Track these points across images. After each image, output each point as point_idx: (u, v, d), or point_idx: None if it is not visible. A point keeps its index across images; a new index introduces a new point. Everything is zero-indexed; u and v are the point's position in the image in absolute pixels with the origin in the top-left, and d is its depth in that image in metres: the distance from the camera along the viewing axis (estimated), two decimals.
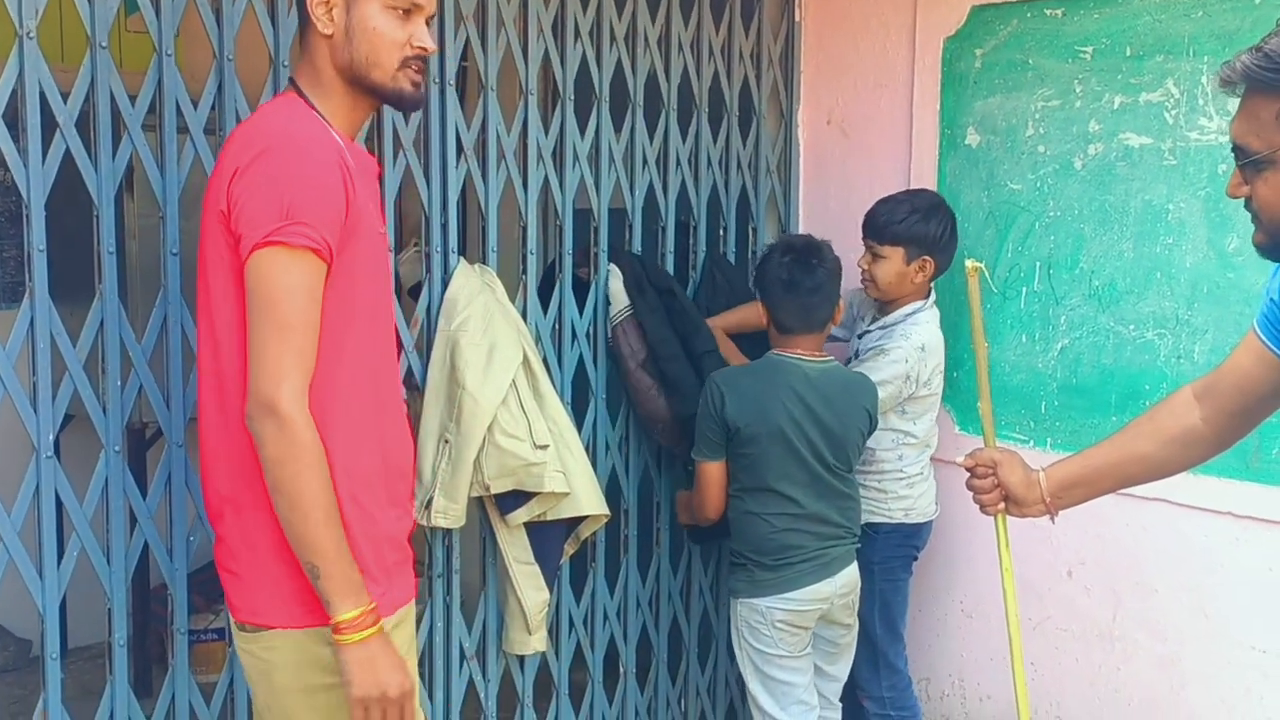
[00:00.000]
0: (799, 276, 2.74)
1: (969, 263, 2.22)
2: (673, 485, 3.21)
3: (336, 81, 1.88)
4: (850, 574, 2.81)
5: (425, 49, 1.90)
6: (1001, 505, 2.16)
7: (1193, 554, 2.80)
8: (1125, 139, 2.85)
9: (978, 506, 2.20)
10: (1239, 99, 1.62)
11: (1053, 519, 2.14)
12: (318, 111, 1.86)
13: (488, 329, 2.61)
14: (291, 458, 1.70)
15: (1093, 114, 2.89)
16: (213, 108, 2.29)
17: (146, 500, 2.23)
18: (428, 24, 1.91)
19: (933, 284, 3.01)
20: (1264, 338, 1.86)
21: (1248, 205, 1.66)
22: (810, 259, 2.76)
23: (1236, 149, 1.62)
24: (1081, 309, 2.95)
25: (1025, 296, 3.06)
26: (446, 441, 2.58)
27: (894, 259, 2.92)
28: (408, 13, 1.88)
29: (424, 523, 2.60)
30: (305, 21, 1.88)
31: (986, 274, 2.62)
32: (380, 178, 2.05)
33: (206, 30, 2.27)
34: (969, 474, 2.19)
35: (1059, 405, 3.01)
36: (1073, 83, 2.92)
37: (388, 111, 2.52)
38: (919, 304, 2.96)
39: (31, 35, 2.02)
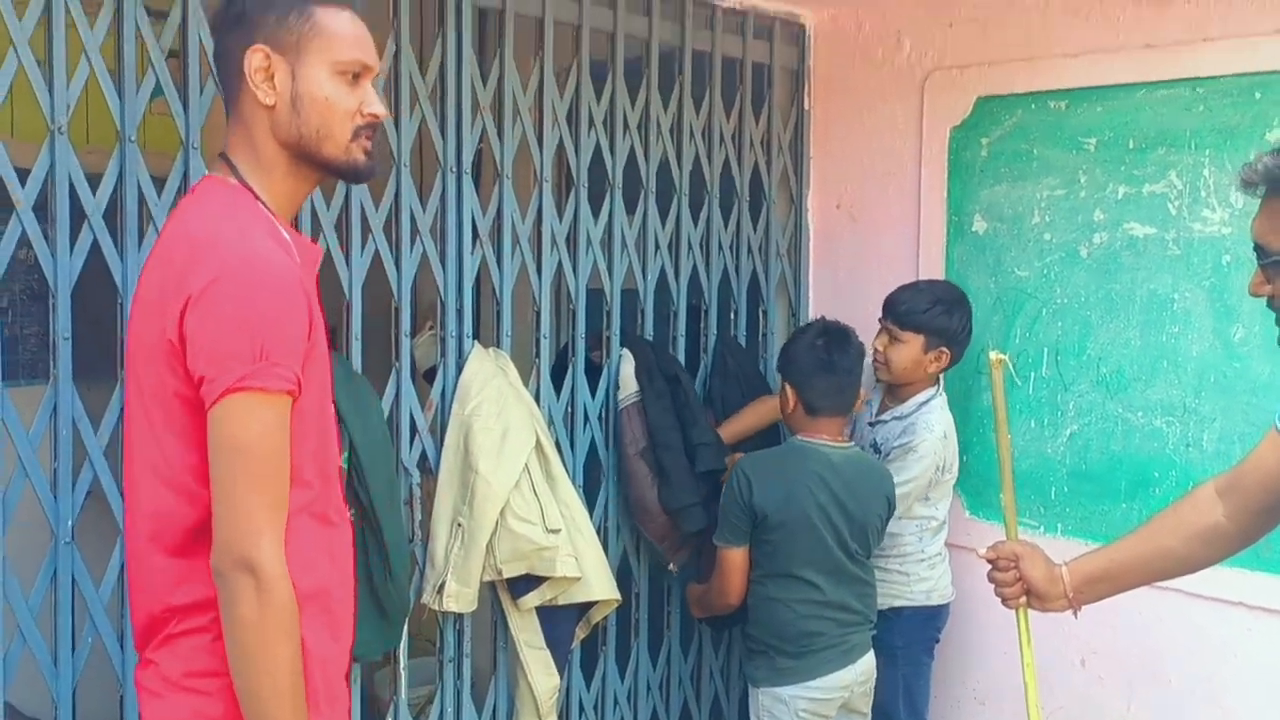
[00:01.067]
0: (835, 357, 2.78)
1: (993, 354, 2.21)
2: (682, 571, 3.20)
3: (280, 157, 1.71)
4: (868, 661, 2.81)
5: (377, 116, 1.74)
6: (1023, 599, 2.14)
7: (1206, 644, 2.79)
8: (1130, 229, 2.89)
9: (999, 600, 2.18)
10: (1259, 199, 1.65)
11: (1075, 614, 2.13)
12: (259, 198, 1.70)
13: (501, 413, 2.64)
14: (268, 620, 1.57)
15: (1097, 204, 2.94)
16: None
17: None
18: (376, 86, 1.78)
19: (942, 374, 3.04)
20: None
21: (1270, 304, 1.68)
22: (844, 341, 2.81)
23: (1258, 248, 1.65)
24: (1090, 395, 2.97)
25: (1034, 382, 3.08)
26: (459, 525, 2.59)
27: (912, 346, 2.94)
28: (357, 76, 1.72)
29: (435, 607, 2.60)
30: (237, 90, 1.70)
31: (1011, 366, 2.65)
32: (318, 260, 1.89)
33: None
34: (991, 566, 2.17)
35: (1069, 491, 3.02)
36: (1077, 173, 2.97)
37: (405, 198, 2.58)
38: (931, 391, 2.99)
39: (63, 130, 2.07)
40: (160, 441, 1.65)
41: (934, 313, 2.94)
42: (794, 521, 2.70)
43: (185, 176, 2.24)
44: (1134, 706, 2.92)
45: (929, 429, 2.92)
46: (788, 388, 2.82)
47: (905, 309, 2.95)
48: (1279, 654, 2.69)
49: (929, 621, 3.01)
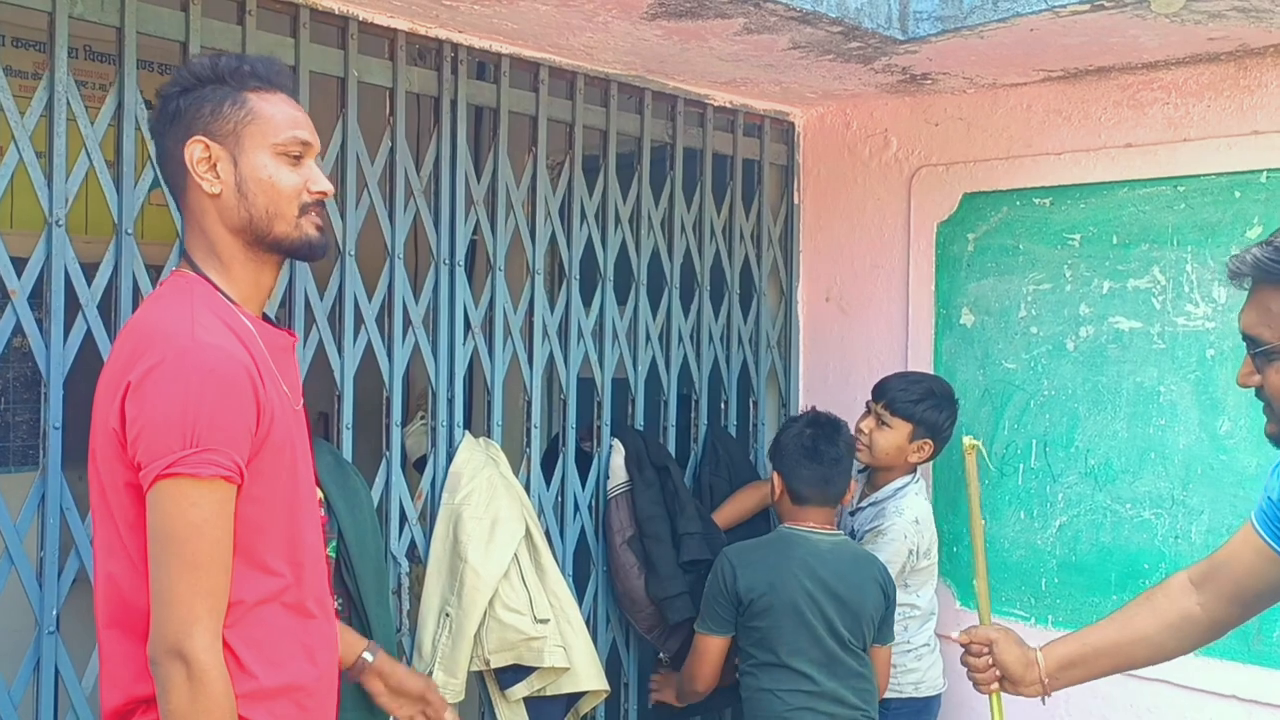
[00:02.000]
0: (823, 446, 2.80)
1: (966, 440, 2.26)
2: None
3: (234, 245, 1.72)
4: None
5: (324, 192, 1.76)
6: (995, 685, 2.15)
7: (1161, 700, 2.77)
8: (1115, 322, 2.93)
9: (971, 684, 2.19)
10: (1246, 291, 1.68)
11: (1043, 700, 2.13)
12: (220, 290, 1.71)
13: (490, 503, 2.64)
14: (202, 713, 1.55)
15: (1083, 298, 2.98)
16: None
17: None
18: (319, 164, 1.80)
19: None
20: (1263, 534, 1.88)
21: (1259, 394, 1.69)
22: (833, 432, 2.84)
23: (1247, 339, 1.67)
24: (1078, 487, 2.98)
25: (1023, 473, 3.09)
26: (447, 615, 2.58)
27: (899, 433, 2.97)
28: (298, 157, 1.74)
29: None
30: (183, 186, 1.72)
31: (984, 452, 2.66)
32: (294, 348, 1.87)
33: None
34: (964, 650, 2.18)
35: (1059, 582, 3.01)
36: (1062, 268, 3.01)
37: (398, 289, 2.61)
38: (907, 479, 3.01)
39: (60, 223, 2.11)
40: (117, 529, 1.65)
41: (926, 404, 2.98)
42: (780, 609, 2.68)
43: None
44: None
45: (899, 513, 2.93)
46: (775, 476, 2.84)
47: (900, 396, 2.98)
48: None
49: (918, 714, 2.98)
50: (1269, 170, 2.68)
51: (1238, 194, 2.73)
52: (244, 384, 1.62)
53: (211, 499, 1.58)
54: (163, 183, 1.79)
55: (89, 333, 2.14)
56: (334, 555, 2.40)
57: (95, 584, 1.74)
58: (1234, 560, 1.95)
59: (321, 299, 2.49)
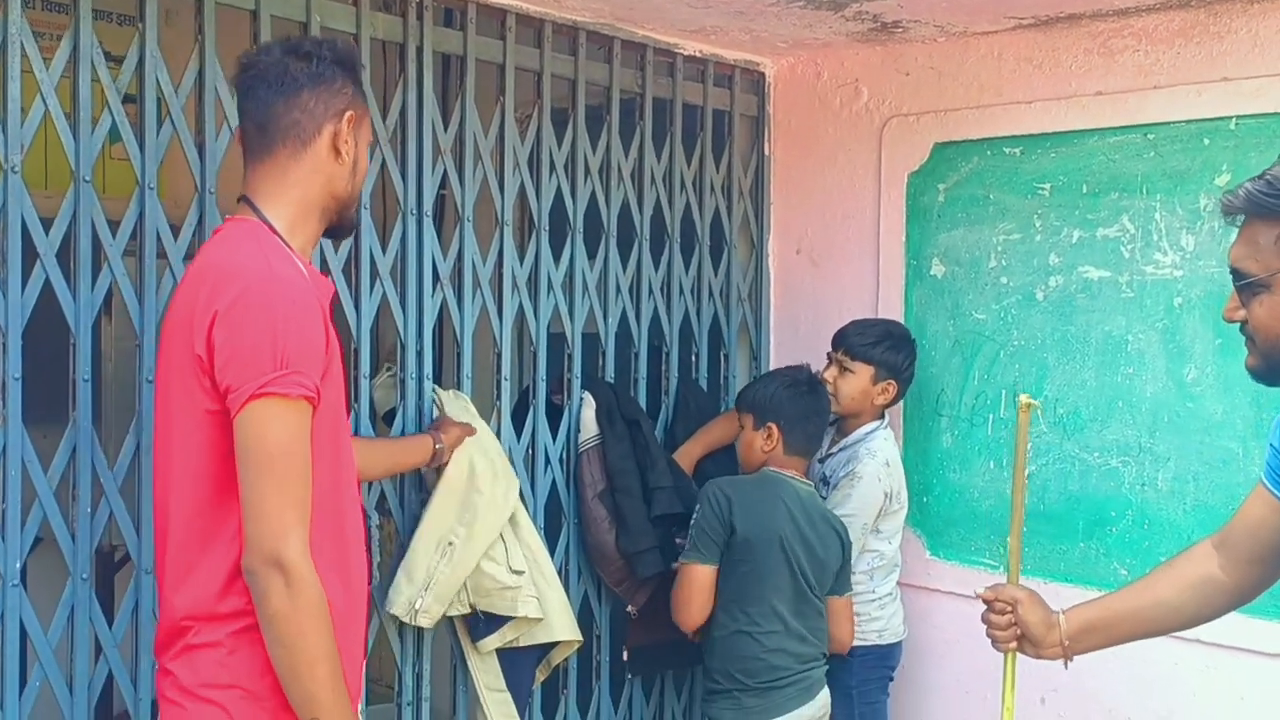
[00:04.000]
0: (817, 405, 2.89)
1: (1023, 398, 2.20)
2: None
3: (315, 207, 1.86)
4: (825, 697, 2.82)
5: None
6: (1014, 645, 2.11)
7: (1164, 682, 2.80)
8: (1084, 272, 2.93)
9: (990, 641, 2.14)
10: (1237, 228, 1.68)
11: (1066, 664, 2.10)
12: (281, 237, 1.82)
13: (495, 448, 2.68)
14: (301, 613, 1.68)
15: (1052, 247, 2.98)
16: (193, 237, 2.33)
17: (113, 629, 2.21)
18: None
19: (886, 408, 3.08)
20: (1271, 489, 1.87)
21: (1243, 329, 1.69)
22: (821, 388, 2.92)
23: (1234, 273, 1.67)
24: (1047, 436, 2.99)
25: (992, 424, 3.11)
26: (451, 544, 2.57)
27: (862, 377, 2.99)
28: None
29: (408, 621, 2.57)
30: (306, 140, 1.83)
31: (1040, 411, 2.65)
32: (334, 298, 2.05)
33: (189, 164, 2.33)
34: (986, 607, 2.14)
35: (1027, 531, 3.00)
36: (1032, 217, 3.01)
37: (365, 240, 2.58)
38: (875, 424, 3.03)
39: (15, 170, 2.07)
40: (185, 456, 1.76)
41: (883, 346, 3.01)
42: (766, 548, 2.72)
43: (141, 217, 2.25)
44: None
45: (871, 455, 2.96)
46: (773, 428, 2.83)
47: (857, 340, 3.01)
48: (1236, 692, 2.70)
49: (882, 660, 3.02)
50: (1238, 117, 2.68)
51: (1207, 141, 2.73)
52: (317, 313, 1.76)
53: (297, 417, 1.71)
54: (248, 133, 1.86)
55: (48, 282, 2.11)
56: None
57: (157, 510, 1.85)
58: (1249, 519, 1.94)
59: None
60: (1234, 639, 2.65)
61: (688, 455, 3.14)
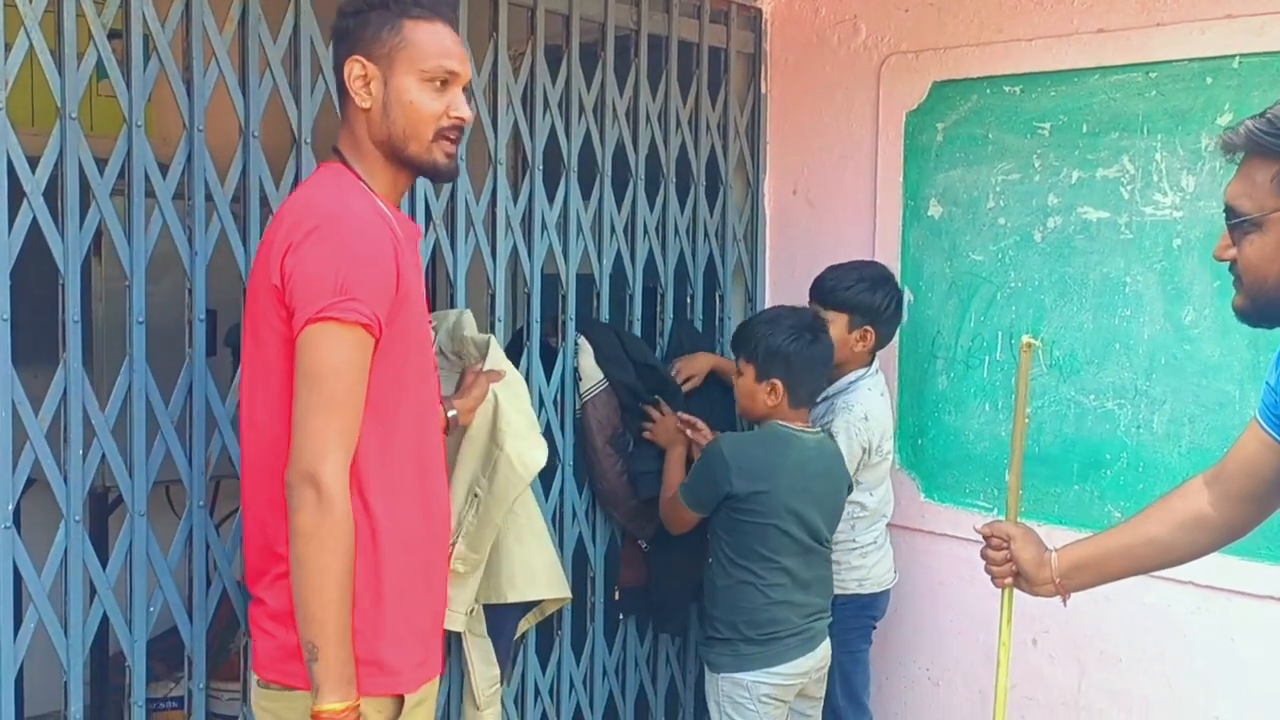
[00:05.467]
0: (822, 354, 2.79)
1: (1025, 338, 2.22)
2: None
3: (376, 153, 1.93)
4: (825, 648, 2.82)
5: (462, 119, 1.95)
6: (1009, 580, 2.16)
7: (1156, 623, 2.82)
8: (1083, 213, 2.91)
9: (988, 577, 2.19)
10: (1235, 165, 1.66)
11: (1064, 601, 2.13)
12: (364, 181, 1.91)
13: (524, 398, 2.60)
14: (324, 532, 1.73)
15: (1051, 188, 2.95)
16: (182, 175, 2.30)
17: (106, 570, 2.21)
18: (465, 91, 1.97)
19: (875, 353, 3.03)
20: (1265, 426, 1.87)
21: (1232, 268, 1.68)
22: (823, 330, 2.82)
23: (1229, 210, 1.65)
24: (1043, 379, 2.98)
25: (988, 366, 3.10)
26: (476, 495, 2.50)
27: (837, 324, 2.93)
28: (444, 83, 1.92)
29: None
30: (342, 93, 1.94)
31: (1041, 351, 2.63)
32: (419, 239, 2.13)
33: (177, 102, 2.29)
34: (985, 543, 2.19)
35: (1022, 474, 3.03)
36: (1031, 157, 2.98)
37: None
38: (861, 372, 2.98)
39: (0, 106, 2.03)
40: (268, 385, 1.84)
41: (857, 289, 2.94)
42: (774, 506, 2.69)
43: (129, 155, 2.21)
44: (1084, 684, 2.95)
45: (848, 409, 2.91)
46: (778, 384, 2.75)
47: (830, 286, 2.96)
48: (1228, 633, 2.72)
49: (862, 610, 3.01)
50: (1241, 55, 2.64)
51: (1209, 80, 2.70)
52: (387, 247, 1.82)
53: (352, 343, 1.76)
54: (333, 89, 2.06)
55: (35, 222, 2.08)
56: None
57: (244, 444, 1.96)
58: (1241, 456, 1.94)
59: (278, 189, 2.43)
60: (1225, 581, 2.67)
61: (698, 366, 3.12)
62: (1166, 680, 2.81)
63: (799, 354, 2.75)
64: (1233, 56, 2.65)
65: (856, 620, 3.00)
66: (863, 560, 2.99)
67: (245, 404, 1.94)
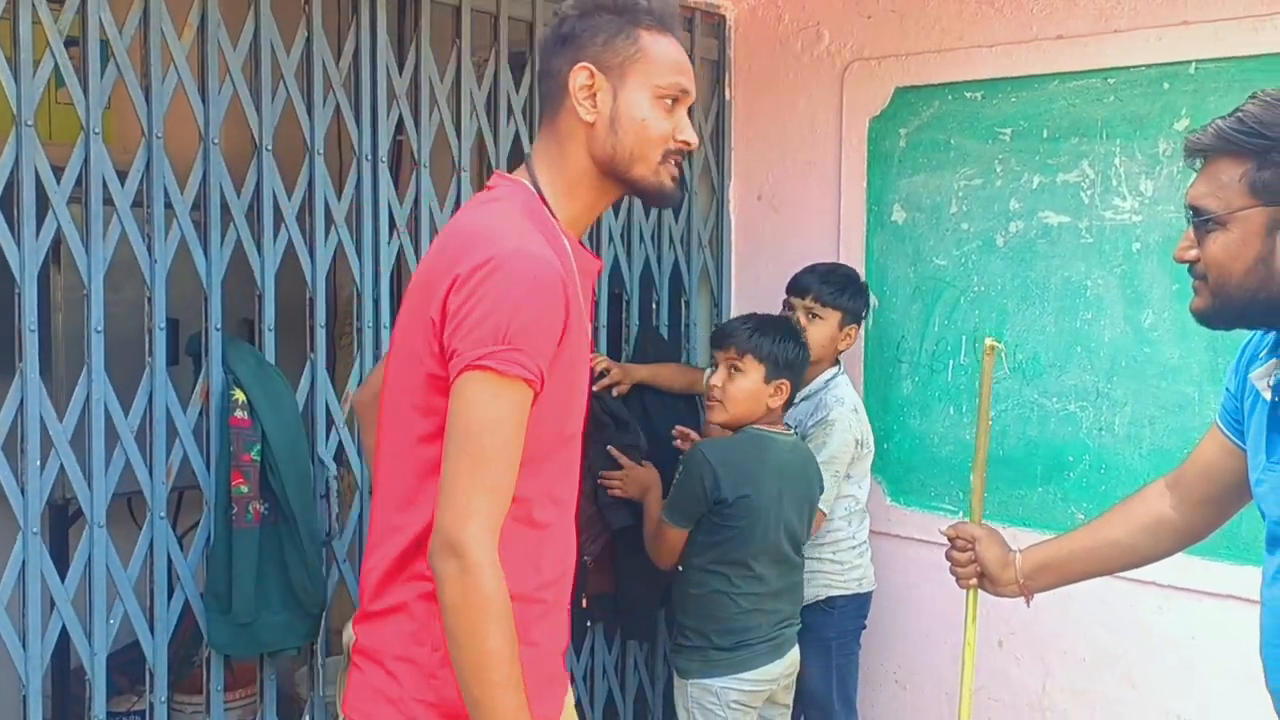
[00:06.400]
0: (808, 359, 2.83)
1: (988, 341, 2.23)
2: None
3: (589, 171, 1.75)
4: (795, 654, 2.82)
5: (689, 143, 1.78)
6: (974, 581, 2.17)
7: (1118, 623, 2.85)
8: (1044, 217, 2.93)
9: (954, 578, 2.21)
10: (1197, 169, 1.66)
11: (1028, 602, 2.15)
12: (549, 207, 1.74)
13: None
14: (473, 607, 1.55)
15: (1013, 193, 2.98)
16: (140, 183, 2.28)
17: (65, 583, 2.18)
18: (689, 113, 1.80)
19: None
20: (1225, 430, 1.89)
21: (1192, 270, 1.69)
22: (805, 342, 2.84)
23: (1193, 210, 1.65)
24: (1006, 382, 3.00)
25: (952, 370, 3.12)
26: None
27: (831, 323, 2.97)
28: (675, 101, 1.75)
29: None
30: (559, 104, 1.74)
31: (1004, 354, 2.65)
32: (599, 274, 1.95)
33: (136, 109, 2.27)
34: (950, 544, 2.20)
35: (986, 476, 3.04)
36: (993, 162, 3.00)
37: (319, 186, 2.54)
38: (834, 370, 3.02)
39: None
40: (407, 421, 1.70)
41: (852, 291, 3.01)
42: (755, 512, 2.67)
43: (86, 163, 2.19)
44: (1049, 685, 2.97)
45: (840, 402, 2.95)
46: (787, 385, 2.75)
47: (825, 289, 2.99)
48: (1189, 632, 2.75)
49: (860, 609, 3.03)
50: (1197, 61, 2.67)
51: (1166, 86, 2.73)
52: (559, 297, 1.63)
53: (511, 398, 1.59)
54: (538, 95, 1.88)
55: None
56: (259, 459, 2.36)
57: (377, 473, 1.81)
58: (1201, 460, 1.96)
59: (239, 196, 2.41)
60: (1185, 580, 2.70)
61: (632, 375, 3.09)
62: (1129, 679, 2.84)
63: (802, 360, 2.80)
64: (1189, 62, 2.68)
65: (854, 621, 3.02)
66: (860, 559, 3.00)
67: (382, 440, 1.79)
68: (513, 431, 1.60)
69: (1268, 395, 1.67)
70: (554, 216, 1.74)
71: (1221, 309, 1.66)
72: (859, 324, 3.04)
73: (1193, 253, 1.66)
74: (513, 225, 1.67)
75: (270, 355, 2.47)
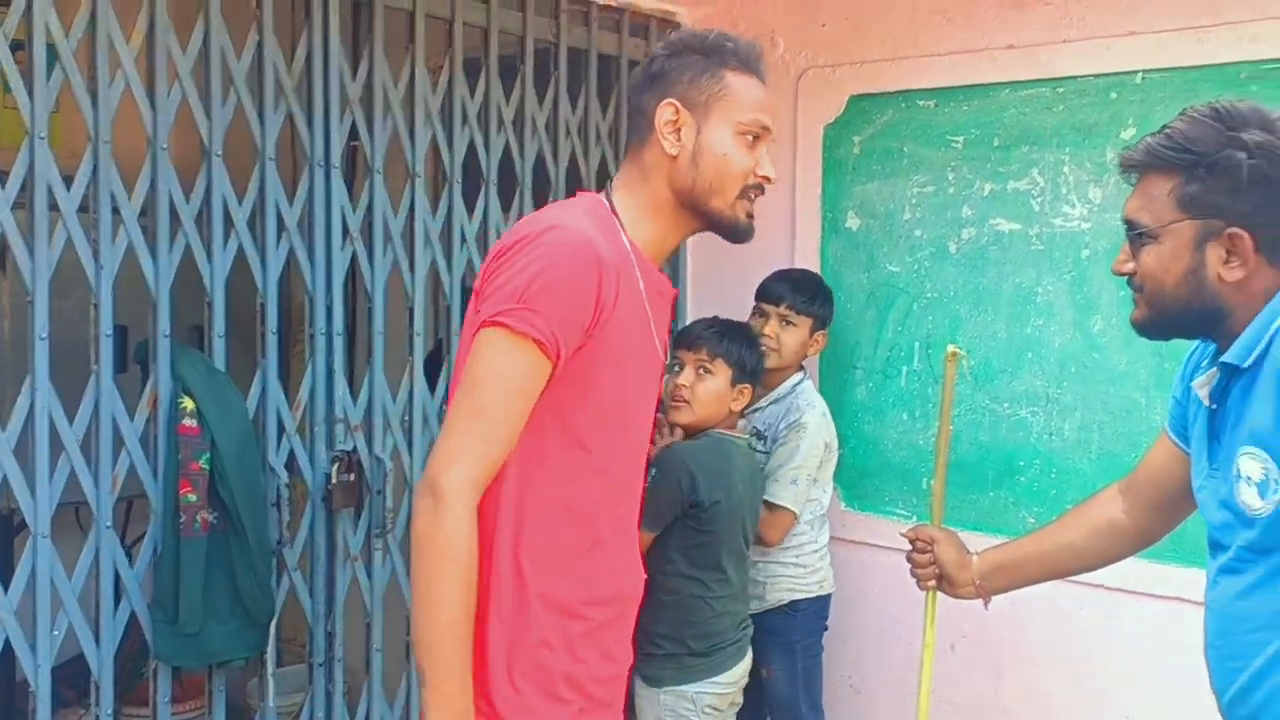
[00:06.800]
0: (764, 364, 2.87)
1: (950, 347, 2.27)
2: None
3: (667, 201, 1.80)
4: (749, 660, 2.81)
5: (768, 179, 1.84)
6: (933, 583, 2.22)
7: (1069, 625, 2.87)
8: (996, 224, 2.96)
9: (914, 580, 2.25)
10: (1133, 184, 1.71)
11: (985, 603, 2.19)
12: (621, 224, 1.78)
13: None
14: (436, 546, 1.59)
15: (965, 200, 3.01)
16: (87, 188, 2.25)
17: (8, 594, 2.15)
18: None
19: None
20: (1172, 435, 1.93)
21: (1130, 282, 1.73)
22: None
23: (1128, 224, 1.70)
24: (959, 388, 3.02)
25: (906, 375, 3.14)
26: None
27: (803, 329, 3.02)
28: (756, 138, 1.81)
29: None
30: (645, 137, 1.80)
31: (965, 361, 2.67)
32: (675, 300, 1.97)
33: (82, 113, 2.24)
34: (910, 547, 2.24)
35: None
36: (946, 170, 3.03)
37: (270, 192, 2.52)
38: (800, 375, 3.05)
39: None
40: None
41: (823, 297, 3.06)
42: (726, 515, 2.69)
43: (31, 168, 2.16)
44: (1001, 688, 2.99)
45: (811, 406, 2.98)
46: (749, 390, 2.80)
47: (799, 296, 3.02)
48: (1137, 634, 2.78)
49: (822, 611, 3.05)
50: (1144, 71, 2.71)
51: (1114, 95, 2.76)
52: (590, 268, 1.66)
53: (518, 356, 1.62)
54: (626, 128, 2.05)
55: None
56: (208, 467, 2.34)
57: None
58: (1152, 465, 2.00)
59: (188, 202, 2.39)
60: (1135, 584, 2.73)
61: None
62: (1079, 681, 2.87)
63: (762, 366, 2.85)
64: (1136, 72, 2.72)
65: (817, 623, 3.03)
66: (821, 562, 3.02)
67: None
68: (516, 388, 1.63)
69: (1207, 403, 1.71)
70: (624, 231, 1.78)
71: (1158, 319, 1.71)
72: (826, 329, 3.07)
73: (1129, 265, 1.71)
74: (565, 214, 1.74)
75: (220, 362, 2.44)
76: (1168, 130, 1.66)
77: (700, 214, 1.82)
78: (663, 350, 1.86)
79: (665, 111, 1.78)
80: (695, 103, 1.78)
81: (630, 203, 1.81)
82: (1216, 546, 1.73)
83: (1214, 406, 1.70)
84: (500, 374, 1.62)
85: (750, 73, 1.83)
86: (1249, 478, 1.60)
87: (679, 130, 1.78)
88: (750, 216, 1.85)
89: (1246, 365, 1.62)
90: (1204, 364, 1.77)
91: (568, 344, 1.65)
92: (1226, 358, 1.65)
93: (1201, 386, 1.72)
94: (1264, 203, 1.59)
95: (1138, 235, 1.69)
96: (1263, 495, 1.59)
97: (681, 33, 1.88)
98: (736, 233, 1.86)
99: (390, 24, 2.73)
